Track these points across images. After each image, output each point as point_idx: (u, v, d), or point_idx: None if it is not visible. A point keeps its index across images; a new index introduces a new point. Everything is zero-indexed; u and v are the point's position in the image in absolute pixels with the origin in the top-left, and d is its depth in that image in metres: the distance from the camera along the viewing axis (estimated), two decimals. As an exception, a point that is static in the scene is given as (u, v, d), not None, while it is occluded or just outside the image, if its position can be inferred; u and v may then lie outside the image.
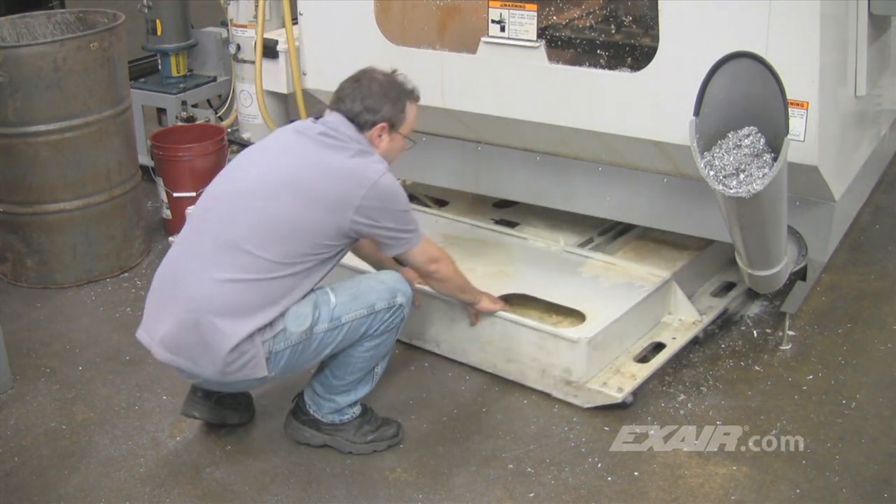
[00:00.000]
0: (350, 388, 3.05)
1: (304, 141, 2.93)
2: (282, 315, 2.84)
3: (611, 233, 4.08)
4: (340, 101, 2.99)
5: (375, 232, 2.92)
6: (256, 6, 4.74)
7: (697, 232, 3.64)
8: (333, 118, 2.96)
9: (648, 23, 3.55)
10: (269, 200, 2.84)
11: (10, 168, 4.05)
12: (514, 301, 3.55)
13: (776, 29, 2.99)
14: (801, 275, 3.66)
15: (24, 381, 3.52)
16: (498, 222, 4.18)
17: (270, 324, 2.82)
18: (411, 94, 3.06)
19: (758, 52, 2.79)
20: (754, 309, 3.87)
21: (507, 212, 4.30)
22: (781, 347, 3.61)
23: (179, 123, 4.97)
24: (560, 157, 3.72)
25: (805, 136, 3.06)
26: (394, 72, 3.07)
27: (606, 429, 3.19)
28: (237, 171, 2.99)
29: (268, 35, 4.74)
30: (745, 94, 2.81)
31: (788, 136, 2.74)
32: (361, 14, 3.75)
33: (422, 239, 3.02)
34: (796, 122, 3.00)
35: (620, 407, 3.23)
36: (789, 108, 2.77)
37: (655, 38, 3.25)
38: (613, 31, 3.69)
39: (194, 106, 5.23)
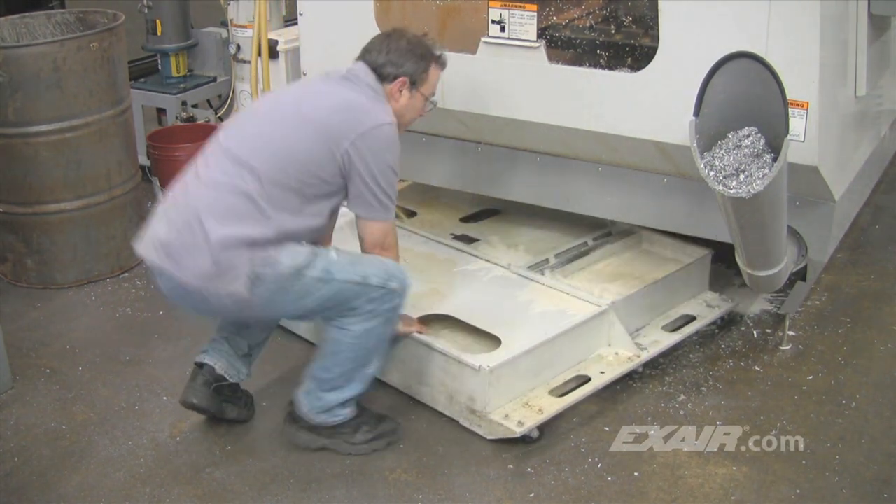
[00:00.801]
0: (339, 385, 3.01)
1: (325, 80, 3.05)
2: (277, 245, 2.83)
3: (568, 255, 3.89)
4: (367, 52, 3.09)
5: (358, 178, 2.91)
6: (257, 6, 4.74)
7: (697, 232, 3.63)
8: (357, 66, 3.06)
9: (648, 23, 3.55)
10: (277, 123, 2.95)
11: (11, 168, 4.05)
12: (450, 323, 3.45)
13: (776, 29, 2.99)
14: (801, 275, 3.65)
15: (24, 381, 3.52)
16: (457, 237, 4.04)
17: (263, 247, 2.81)
18: (438, 59, 3.14)
19: (758, 52, 2.79)
20: (754, 309, 3.87)
21: (472, 227, 4.17)
22: (781, 347, 3.61)
23: (179, 123, 4.97)
24: (560, 157, 3.71)
25: (805, 136, 3.06)
26: (424, 34, 3.16)
27: (606, 429, 3.19)
28: (261, 100, 3.13)
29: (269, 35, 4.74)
30: (745, 95, 2.81)
31: (788, 137, 2.73)
32: (361, 14, 3.74)
33: (390, 221, 3.03)
34: (796, 122, 3.00)
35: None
36: (789, 108, 2.77)
37: (655, 38, 3.25)
38: (613, 32, 3.69)
39: (194, 106, 5.23)
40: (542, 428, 3.17)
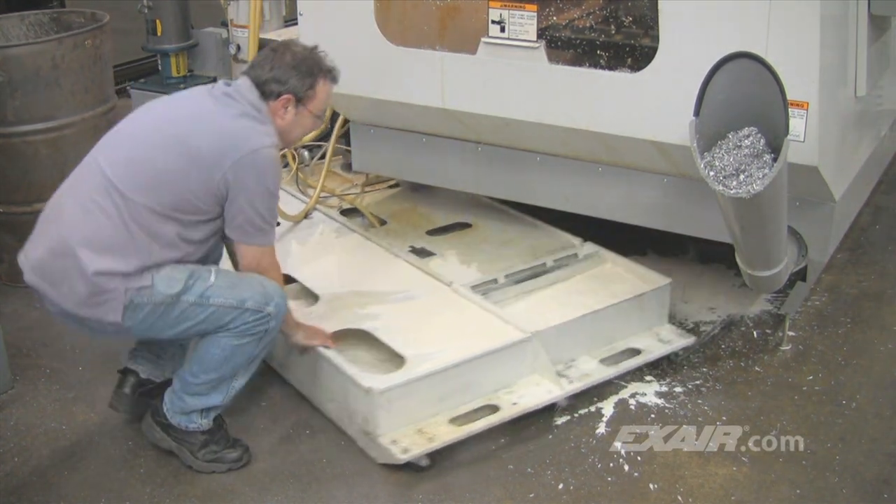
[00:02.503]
0: (203, 392, 2.98)
1: (205, 98, 2.93)
2: (154, 271, 2.80)
3: (519, 276, 3.66)
4: (253, 67, 2.98)
5: (235, 205, 2.84)
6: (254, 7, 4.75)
7: (697, 232, 3.63)
8: (241, 82, 2.95)
9: (648, 23, 3.55)
10: (149, 146, 2.85)
11: (10, 168, 4.05)
12: (372, 338, 3.31)
13: (776, 29, 2.99)
14: (801, 275, 3.66)
15: (24, 381, 3.52)
16: (415, 251, 3.90)
17: (139, 275, 2.78)
18: (328, 73, 3.00)
19: (758, 52, 2.80)
20: (754, 309, 3.87)
21: (434, 240, 4.02)
22: (781, 348, 3.61)
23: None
24: (560, 157, 3.72)
25: (805, 137, 3.06)
26: (315, 48, 3.03)
27: (607, 429, 3.19)
28: (138, 115, 2.98)
29: (269, 35, 4.74)
30: (745, 95, 2.81)
31: (788, 137, 2.74)
32: (361, 14, 3.75)
33: (266, 246, 2.96)
34: (796, 123, 3.00)
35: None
36: (789, 109, 2.77)
37: (655, 39, 3.25)
38: (613, 32, 3.70)
39: (194, 106, 5.23)
40: (543, 428, 3.17)
